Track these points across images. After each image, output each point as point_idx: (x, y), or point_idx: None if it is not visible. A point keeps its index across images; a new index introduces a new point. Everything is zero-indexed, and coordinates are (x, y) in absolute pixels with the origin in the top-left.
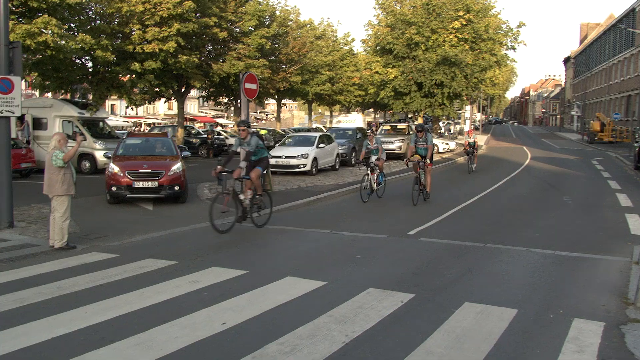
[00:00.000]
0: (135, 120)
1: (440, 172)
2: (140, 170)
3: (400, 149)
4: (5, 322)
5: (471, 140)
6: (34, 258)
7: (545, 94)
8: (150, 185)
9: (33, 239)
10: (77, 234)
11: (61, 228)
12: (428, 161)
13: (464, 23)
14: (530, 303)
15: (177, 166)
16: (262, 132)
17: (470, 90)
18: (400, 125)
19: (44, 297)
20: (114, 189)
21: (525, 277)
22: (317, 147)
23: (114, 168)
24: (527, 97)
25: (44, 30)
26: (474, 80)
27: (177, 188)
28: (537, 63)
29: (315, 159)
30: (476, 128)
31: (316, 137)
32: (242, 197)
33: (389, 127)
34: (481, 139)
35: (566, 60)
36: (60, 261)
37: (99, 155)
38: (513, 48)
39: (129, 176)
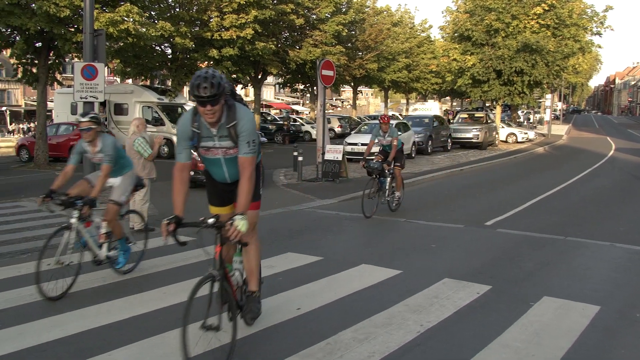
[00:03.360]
0: None
1: (519, 162)
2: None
3: (478, 138)
4: (91, 300)
5: None
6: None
7: (633, 82)
8: None
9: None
10: (156, 216)
11: (141, 211)
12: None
13: (547, 8)
14: (614, 300)
15: None
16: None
17: (552, 79)
18: (478, 114)
19: (125, 277)
20: (191, 173)
21: (608, 272)
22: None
23: (192, 153)
24: (612, 86)
25: (125, 19)
26: (555, 68)
27: None
28: (624, 49)
29: None
30: (556, 117)
31: (392, 124)
32: None
33: (466, 116)
34: (561, 129)
35: None
36: (140, 243)
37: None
38: (599, 34)
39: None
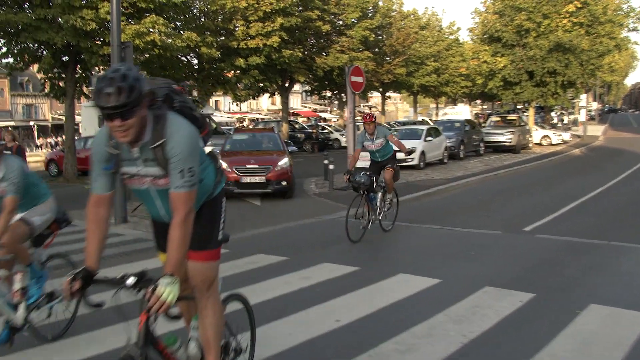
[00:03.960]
0: (239, 116)
1: (555, 165)
2: (248, 166)
3: (511, 141)
4: (126, 315)
5: None
6: (147, 252)
7: None
8: (257, 181)
9: (146, 234)
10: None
11: None
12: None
13: (579, 6)
14: None
15: (284, 161)
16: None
17: (586, 78)
18: (511, 117)
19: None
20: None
21: None
22: (425, 140)
23: (222, 164)
24: None
25: (151, 30)
26: (590, 67)
27: (284, 183)
28: None
29: (423, 153)
30: (592, 118)
31: (423, 129)
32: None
33: (498, 119)
34: (598, 130)
35: None
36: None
37: (206, 151)
38: (635, 30)
39: (236, 171)
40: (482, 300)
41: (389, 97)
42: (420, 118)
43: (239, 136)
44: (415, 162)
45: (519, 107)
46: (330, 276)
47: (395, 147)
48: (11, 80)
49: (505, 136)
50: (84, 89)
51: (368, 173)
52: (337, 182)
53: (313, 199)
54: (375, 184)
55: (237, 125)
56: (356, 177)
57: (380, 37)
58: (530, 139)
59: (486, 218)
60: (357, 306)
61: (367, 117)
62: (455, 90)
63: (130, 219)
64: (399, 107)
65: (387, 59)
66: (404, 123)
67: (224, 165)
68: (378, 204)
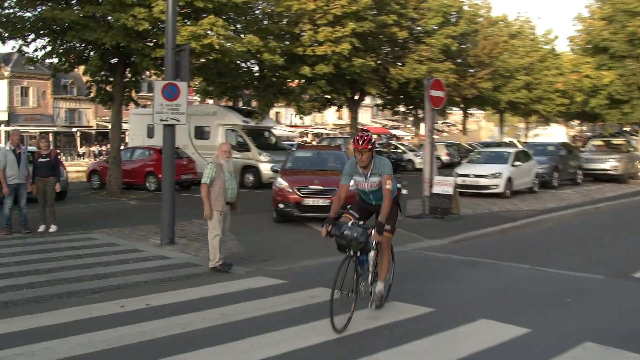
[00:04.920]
0: (302, 130)
1: None
2: (311, 187)
3: (617, 170)
4: (171, 349)
5: None
6: (196, 279)
7: None
8: (321, 204)
9: (194, 258)
10: (240, 254)
11: (212, 246)
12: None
13: None
14: None
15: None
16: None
17: None
18: (616, 140)
19: (208, 323)
20: (281, 206)
21: None
22: (512, 165)
23: (282, 183)
24: None
25: (209, 32)
26: None
27: None
28: None
29: (509, 179)
30: None
31: (511, 153)
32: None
33: (600, 143)
34: None
35: None
36: (224, 284)
37: (264, 168)
38: None
39: (298, 192)
40: (582, 358)
41: (471, 115)
42: (506, 139)
43: (302, 153)
44: (500, 189)
45: (626, 129)
46: (400, 317)
47: (397, 185)
48: (54, 83)
49: (609, 163)
50: (133, 94)
51: (361, 223)
52: (410, 208)
53: None
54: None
55: (299, 140)
56: (343, 229)
57: (464, 46)
58: None
59: (585, 259)
60: (431, 354)
61: (360, 141)
62: (549, 109)
63: (179, 240)
64: (483, 126)
65: (471, 71)
66: (487, 144)
67: (284, 185)
68: (370, 269)
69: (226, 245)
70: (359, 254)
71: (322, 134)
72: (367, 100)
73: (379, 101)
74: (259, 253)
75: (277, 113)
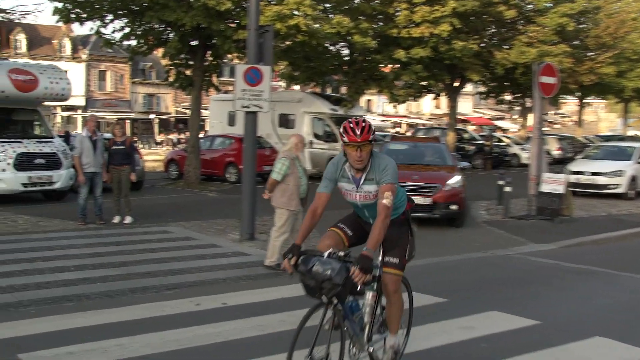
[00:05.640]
0: (394, 119)
1: None
2: (409, 183)
3: None
4: (247, 352)
5: None
6: (275, 278)
7: None
8: (421, 202)
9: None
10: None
11: (274, 245)
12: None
13: None
14: None
15: (455, 180)
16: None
17: None
18: None
19: (287, 326)
20: None
21: None
22: (638, 162)
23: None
24: None
25: (296, 12)
26: None
27: (454, 207)
28: None
29: (633, 178)
30: None
31: (636, 148)
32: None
33: None
34: None
35: None
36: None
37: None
38: None
39: None
40: None
41: (588, 104)
42: (631, 132)
43: (396, 145)
44: (621, 189)
45: None
46: (501, 329)
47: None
48: (132, 67)
49: None
50: (214, 79)
51: (341, 254)
52: (514, 208)
53: (482, 228)
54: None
55: (392, 131)
56: (311, 263)
57: (582, 25)
58: None
59: None
60: None
61: (356, 129)
62: None
63: (259, 236)
64: (602, 116)
65: (590, 54)
66: (608, 138)
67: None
68: (366, 318)
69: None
70: (335, 301)
71: (417, 124)
72: (468, 87)
73: (482, 89)
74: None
75: (368, 101)
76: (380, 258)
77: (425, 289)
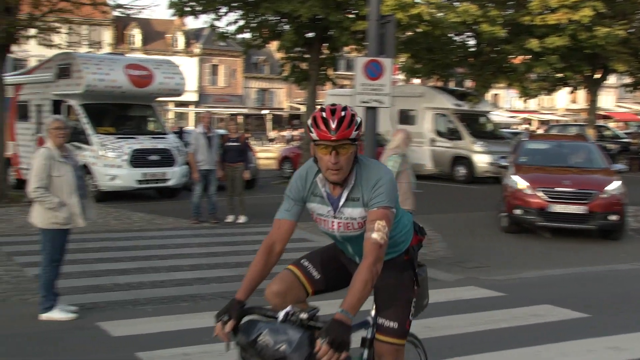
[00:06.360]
0: (524, 115)
1: None
2: (559, 189)
3: None
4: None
5: None
6: None
7: None
8: (574, 211)
9: None
10: (449, 259)
11: None
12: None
13: None
14: None
15: (615, 185)
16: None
17: None
18: None
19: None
20: (518, 212)
21: None
22: None
23: (519, 182)
24: None
25: (418, 1)
26: None
27: (614, 218)
28: None
29: None
30: None
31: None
32: None
33: None
34: None
35: None
36: (430, 292)
37: (479, 160)
38: None
39: (543, 195)
40: None
41: None
42: None
43: (536, 144)
44: None
45: None
46: None
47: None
48: (245, 60)
49: None
50: (330, 72)
51: (304, 316)
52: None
53: (630, 236)
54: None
55: (521, 128)
56: (257, 331)
57: None
58: None
59: None
60: None
61: (332, 120)
62: None
63: None
64: None
65: None
66: None
67: (524, 185)
68: None
69: (434, 247)
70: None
71: (550, 120)
72: (611, 79)
73: (628, 80)
74: (471, 259)
75: (495, 95)
76: (372, 314)
77: (564, 302)
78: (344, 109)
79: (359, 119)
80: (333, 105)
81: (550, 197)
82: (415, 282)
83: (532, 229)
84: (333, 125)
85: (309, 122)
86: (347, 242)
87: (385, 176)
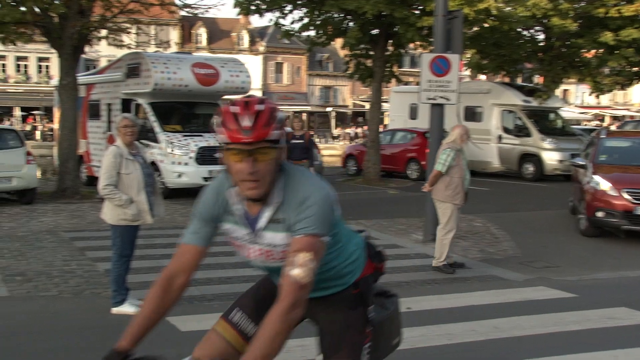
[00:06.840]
0: (596, 111)
1: None
2: None
3: None
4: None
5: None
6: (463, 283)
7: None
8: None
9: (461, 259)
10: (518, 258)
11: (442, 244)
12: None
13: None
14: None
15: None
16: None
17: None
18: None
19: (477, 336)
20: (599, 214)
21: None
22: None
23: (601, 182)
24: None
25: None
26: None
27: None
28: None
29: None
30: None
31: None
32: None
33: None
34: None
35: None
36: (497, 292)
37: (548, 158)
38: None
39: (628, 197)
40: None
41: None
42: None
43: (615, 142)
44: None
45: None
46: None
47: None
48: (309, 58)
49: None
50: (395, 69)
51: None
52: None
53: None
54: None
55: (593, 124)
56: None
57: None
58: None
59: None
60: None
61: (241, 117)
62: None
63: None
64: None
65: None
66: None
67: (606, 186)
68: None
69: (502, 246)
70: None
71: (623, 116)
72: None
73: None
74: (540, 259)
75: (565, 91)
76: None
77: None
78: (262, 101)
79: (280, 115)
80: (248, 96)
81: (636, 199)
82: (367, 322)
83: (614, 233)
84: (247, 123)
85: (217, 119)
86: (275, 274)
87: (316, 193)
